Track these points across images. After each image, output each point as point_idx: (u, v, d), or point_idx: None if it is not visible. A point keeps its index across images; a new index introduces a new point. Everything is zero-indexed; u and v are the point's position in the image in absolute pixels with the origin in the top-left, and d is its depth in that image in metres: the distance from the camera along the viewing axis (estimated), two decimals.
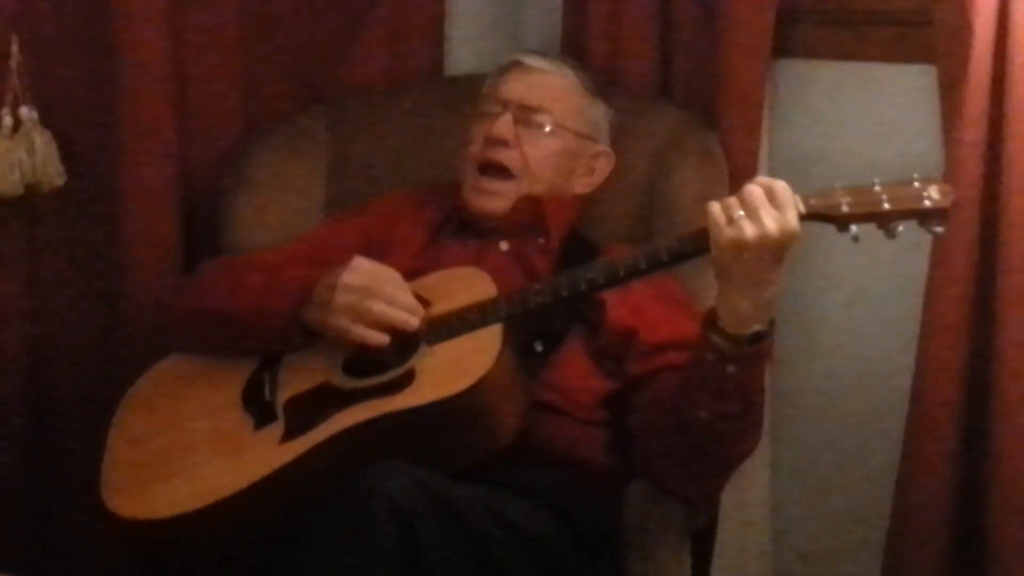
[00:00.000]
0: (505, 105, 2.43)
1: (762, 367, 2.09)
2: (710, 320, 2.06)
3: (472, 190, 2.42)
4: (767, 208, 1.97)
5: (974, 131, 2.35)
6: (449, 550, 1.98)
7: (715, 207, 2.00)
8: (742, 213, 1.97)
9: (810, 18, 2.67)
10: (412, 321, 2.16)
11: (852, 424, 2.70)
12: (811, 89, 2.69)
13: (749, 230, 1.96)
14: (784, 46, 2.64)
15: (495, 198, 2.40)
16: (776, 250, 1.98)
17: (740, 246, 1.97)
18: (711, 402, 2.07)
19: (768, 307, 2.04)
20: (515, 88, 2.45)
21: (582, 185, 2.48)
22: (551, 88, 2.46)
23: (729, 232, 1.98)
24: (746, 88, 2.58)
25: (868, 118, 2.62)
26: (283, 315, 2.22)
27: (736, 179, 2.48)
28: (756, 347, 2.04)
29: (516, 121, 2.41)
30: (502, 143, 2.40)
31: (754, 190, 1.99)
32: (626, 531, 2.21)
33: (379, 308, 2.16)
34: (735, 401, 2.07)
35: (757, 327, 2.03)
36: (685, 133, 2.58)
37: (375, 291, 2.16)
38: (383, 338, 2.15)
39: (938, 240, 2.33)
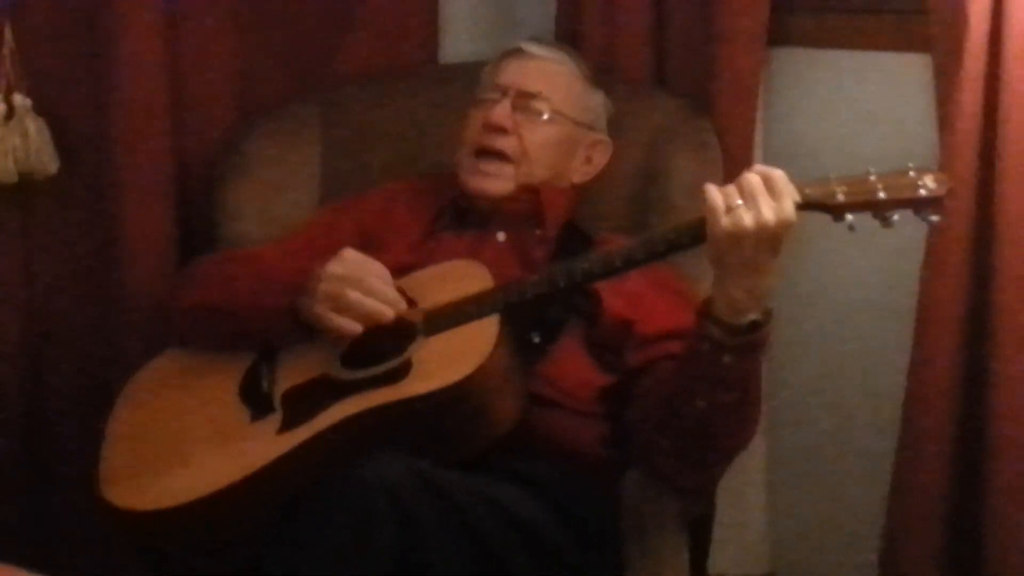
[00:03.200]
0: (504, 91, 2.42)
1: (759, 357, 2.08)
2: (705, 309, 2.05)
3: (470, 173, 2.40)
4: (765, 197, 1.97)
5: (969, 120, 2.34)
6: (447, 540, 1.99)
7: (714, 194, 1.99)
8: (740, 202, 1.97)
9: (805, 6, 2.67)
10: (388, 313, 2.14)
11: (848, 414, 2.70)
12: (806, 78, 2.69)
13: (747, 219, 1.96)
14: (779, 34, 2.64)
15: (494, 179, 2.39)
16: (772, 239, 1.98)
17: (738, 235, 1.96)
18: (708, 392, 2.07)
19: (764, 296, 2.03)
20: (514, 74, 2.44)
21: (580, 174, 2.47)
22: (550, 75, 2.45)
23: (727, 221, 1.97)
24: (741, 76, 2.58)
25: (863, 107, 2.62)
26: (278, 310, 2.21)
27: (731, 168, 2.47)
28: (752, 336, 2.04)
29: (514, 108, 2.40)
30: (500, 130, 2.39)
31: (752, 179, 1.98)
32: (623, 522, 2.21)
33: (355, 297, 2.14)
34: (732, 391, 2.07)
35: (753, 316, 2.03)
36: (680, 122, 2.58)
37: (355, 281, 2.15)
38: (355, 327, 2.14)
39: (933, 230, 2.33)
